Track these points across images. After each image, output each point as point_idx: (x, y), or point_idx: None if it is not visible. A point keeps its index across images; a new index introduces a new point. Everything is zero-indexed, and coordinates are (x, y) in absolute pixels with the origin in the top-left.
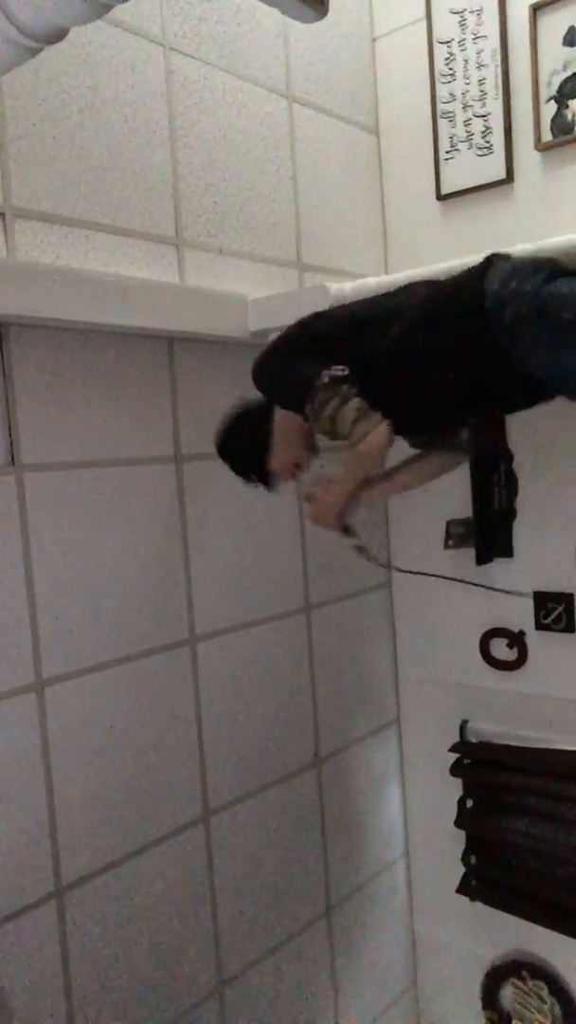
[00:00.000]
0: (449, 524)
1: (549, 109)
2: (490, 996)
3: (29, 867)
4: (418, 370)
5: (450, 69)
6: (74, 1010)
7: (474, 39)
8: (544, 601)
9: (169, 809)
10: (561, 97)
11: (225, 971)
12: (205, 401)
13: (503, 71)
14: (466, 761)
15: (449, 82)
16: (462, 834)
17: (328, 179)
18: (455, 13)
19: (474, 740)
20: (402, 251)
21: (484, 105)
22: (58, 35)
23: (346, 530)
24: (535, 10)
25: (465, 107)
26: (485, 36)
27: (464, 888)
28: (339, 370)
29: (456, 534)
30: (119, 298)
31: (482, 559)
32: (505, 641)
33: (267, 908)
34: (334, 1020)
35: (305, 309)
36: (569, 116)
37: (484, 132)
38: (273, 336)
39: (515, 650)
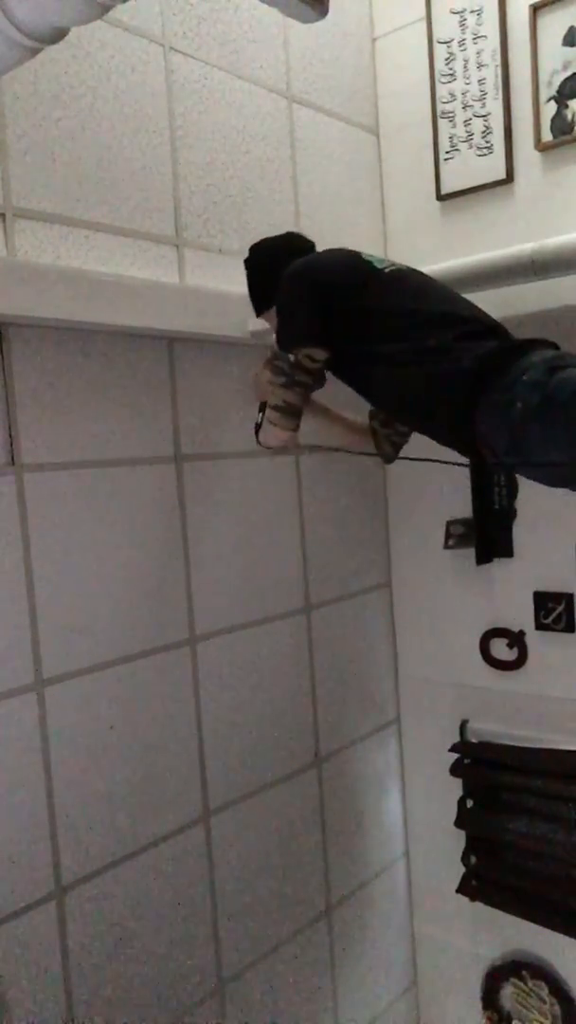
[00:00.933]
0: (449, 524)
1: (549, 109)
2: (490, 996)
3: (29, 867)
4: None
5: (450, 69)
6: (74, 1009)
7: (474, 39)
8: (544, 601)
9: (169, 809)
10: (561, 97)
11: (225, 971)
12: (205, 401)
13: (503, 71)
14: (466, 761)
15: (449, 82)
16: (462, 834)
17: (328, 179)
18: (455, 13)
19: (474, 740)
20: (402, 251)
21: (484, 105)
22: (58, 35)
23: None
24: (535, 10)
25: (465, 107)
26: (485, 36)
27: (464, 888)
28: (313, 358)
29: (456, 534)
30: (119, 298)
31: (482, 559)
32: (505, 641)
33: (267, 908)
34: (334, 1020)
35: None
36: (569, 116)
37: (484, 132)
38: (272, 337)
39: (515, 650)
